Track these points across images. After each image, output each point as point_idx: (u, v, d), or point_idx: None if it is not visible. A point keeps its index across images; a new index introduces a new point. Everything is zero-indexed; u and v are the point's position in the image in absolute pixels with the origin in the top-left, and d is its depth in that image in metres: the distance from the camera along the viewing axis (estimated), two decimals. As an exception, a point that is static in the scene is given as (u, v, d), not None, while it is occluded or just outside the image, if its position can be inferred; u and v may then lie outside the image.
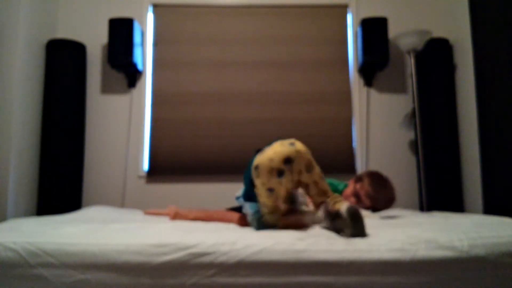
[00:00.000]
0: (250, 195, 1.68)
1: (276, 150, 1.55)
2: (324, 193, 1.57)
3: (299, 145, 1.56)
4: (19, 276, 1.24)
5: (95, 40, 3.38)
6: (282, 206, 1.60)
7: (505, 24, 2.62)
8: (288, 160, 1.52)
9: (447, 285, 1.25)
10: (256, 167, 1.56)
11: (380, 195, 2.11)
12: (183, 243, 1.27)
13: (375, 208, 2.16)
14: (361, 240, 1.34)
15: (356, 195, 2.15)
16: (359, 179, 2.18)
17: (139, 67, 3.28)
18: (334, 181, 2.38)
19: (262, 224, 1.59)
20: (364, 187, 2.13)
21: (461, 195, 3.06)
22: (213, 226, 1.79)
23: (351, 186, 2.20)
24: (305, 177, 1.56)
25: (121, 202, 3.25)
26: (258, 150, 1.72)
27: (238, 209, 2.32)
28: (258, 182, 1.58)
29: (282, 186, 1.55)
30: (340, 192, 2.27)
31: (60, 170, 3.00)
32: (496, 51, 2.72)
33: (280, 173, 1.53)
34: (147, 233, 1.47)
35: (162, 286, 1.23)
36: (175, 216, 2.22)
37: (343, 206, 1.44)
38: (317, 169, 1.59)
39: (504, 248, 1.29)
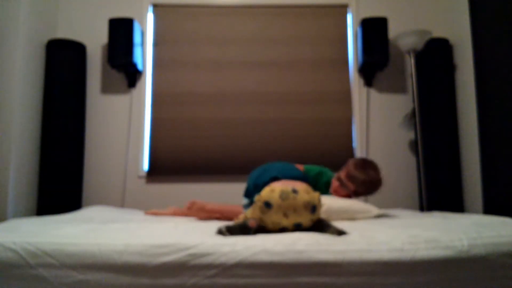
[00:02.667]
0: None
1: (305, 199, 1.51)
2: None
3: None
4: (18, 276, 1.24)
5: (95, 40, 3.38)
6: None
7: (505, 24, 2.62)
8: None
9: (447, 285, 1.25)
10: (268, 204, 1.50)
11: (361, 175, 2.09)
12: (183, 244, 1.27)
13: (357, 192, 2.14)
14: (361, 240, 1.34)
15: (338, 178, 2.16)
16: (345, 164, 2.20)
17: (139, 67, 3.28)
18: (324, 169, 2.36)
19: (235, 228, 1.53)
20: (346, 169, 2.14)
21: (461, 195, 3.06)
22: (214, 227, 1.79)
23: (339, 184, 2.20)
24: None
25: (121, 202, 3.25)
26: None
27: None
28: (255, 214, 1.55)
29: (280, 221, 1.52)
30: (325, 182, 2.26)
31: (60, 170, 3.00)
32: (496, 51, 2.72)
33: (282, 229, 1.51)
34: (147, 234, 1.47)
35: (162, 286, 1.23)
36: (192, 206, 2.21)
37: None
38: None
39: (504, 248, 1.29)
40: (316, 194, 1.56)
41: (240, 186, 3.10)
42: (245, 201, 2.17)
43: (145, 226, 1.71)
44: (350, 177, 2.11)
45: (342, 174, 2.16)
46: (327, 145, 3.34)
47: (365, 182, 2.10)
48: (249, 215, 1.57)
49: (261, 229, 1.52)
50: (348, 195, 2.17)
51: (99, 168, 3.29)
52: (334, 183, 2.19)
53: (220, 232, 1.45)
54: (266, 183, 1.85)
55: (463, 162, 3.10)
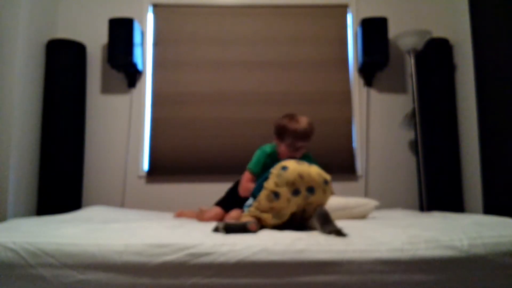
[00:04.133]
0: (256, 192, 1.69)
1: (318, 171, 1.56)
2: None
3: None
4: (18, 276, 1.24)
5: (95, 40, 3.38)
6: (271, 220, 1.58)
7: (505, 24, 2.62)
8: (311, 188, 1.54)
9: (447, 285, 1.25)
10: (284, 168, 1.55)
11: (284, 121, 2.10)
12: (183, 244, 1.27)
13: (295, 142, 2.10)
14: (361, 240, 1.34)
15: (277, 143, 2.16)
16: (279, 136, 2.15)
17: (139, 67, 3.28)
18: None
19: (234, 225, 1.51)
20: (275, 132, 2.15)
21: (461, 195, 3.06)
22: (213, 227, 1.79)
23: (281, 147, 2.16)
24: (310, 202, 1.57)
25: (121, 202, 3.25)
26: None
27: (225, 203, 2.35)
28: (270, 182, 1.57)
29: (290, 203, 1.55)
30: (271, 153, 2.20)
31: (60, 170, 3.00)
32: (496, 51, 2.72)
33: (296, 191, 1.53)
34: (147, 234, 1.47)
35: (161, 286, 1.23)
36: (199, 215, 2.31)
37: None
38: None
39: (504, 248, 1.29)
40: (327, 175, 1.61)
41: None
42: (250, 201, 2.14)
43: (145, 226, 1.71)
44: (279, 130, 2.12)
45: (277, 141, 2.17)
46: (327, 145, 3.34)
47: (291, 124, 2.08)
48: (251, 210, 1.59)
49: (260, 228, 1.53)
50: (293, 153, 2.14)
51: (99, 168, 3.29)
52: (280, 150, 2.17)
53: (216, 229, 1.45)
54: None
55: (463, 162, 3.10)
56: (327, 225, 1.45)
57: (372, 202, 2.10)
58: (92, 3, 3.45)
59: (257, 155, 2.22)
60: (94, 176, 3.28)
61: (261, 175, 2.14)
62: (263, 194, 1.59)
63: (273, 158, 2.19)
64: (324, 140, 3.34)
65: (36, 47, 3.05)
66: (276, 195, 1.54)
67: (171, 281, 1.23)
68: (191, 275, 1.23)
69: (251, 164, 2.20)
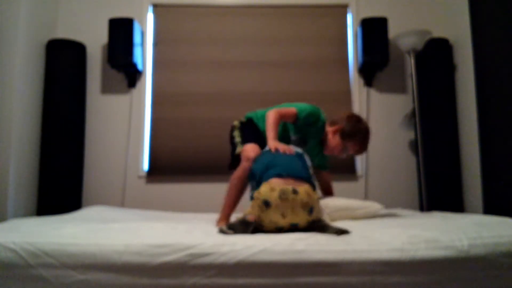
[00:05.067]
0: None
1: (304, 201, 1.51)
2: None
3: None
4: (18, 276, 1.24)
5: (95, 40, 3.38)
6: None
7: (505, 24, 2.62)
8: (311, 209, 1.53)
9: (447, 285, 1.25)
10: (267, 203, 1.51)
11: (359, 126, 2.11)
12: (183, 244, 1.27)
13: (357, 149, 2.14)
14: (361, 240, 1.34)
15: (344, 148, 2.14)
16: (343, 134, 2.12)
17: (139, 67, 3.28)
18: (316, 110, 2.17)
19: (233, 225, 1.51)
20: (341, 127, 2.11)
21: (461, 195, 3.07)
22: (213, 227, 1.79)
23: (336, 139, 2.13)
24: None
25: (121, 202, 3.25)
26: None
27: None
28: (254, 210, 1.54)
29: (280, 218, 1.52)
30: (319, 123, 2.14)
31: (60, 170, 3.00)
32: (496, 51, 2.72)
33: (279, 229, 1.51)
34: (147, 234, 1.47)
35: (162, 286, 1.23)
36: None
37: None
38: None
39: (504, 248, 1.29)
40: (315, 196, 1.57)
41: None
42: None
43: (145, 226, 1.71)
44: (353, 130, 2.08)
45: (335, 134, 2.13)
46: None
47: (363, 136, 2.10)
48: (248, 211, 1.58)
49: (259, 228, 1.53)
50: (339, 153, 2.16)
51: (99, 168, 3.29)
52: (332, 140, 2.14)
53: (222, 231, 1.46)
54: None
55: (463, 162, 3.10)
56: (327, 229, 1.46)
57: (375, 205, 2.09)
58: (92, 3, 3.45)
59: (311, 111, 2.09)
60: (94, 176, 3.28)
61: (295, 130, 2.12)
62: (254, 206, 1.56)
63: (314, 128, 2.14)
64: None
65: (36, 47, 3.05)
66: (261, 225, 1.53)
67: (171, 281, 1.23)
68: (191, 275, 1.23)
69: (298, 106, 2.08)
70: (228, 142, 2.28)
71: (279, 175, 1.68)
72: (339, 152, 2.17)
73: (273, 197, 1.50)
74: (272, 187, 1.54)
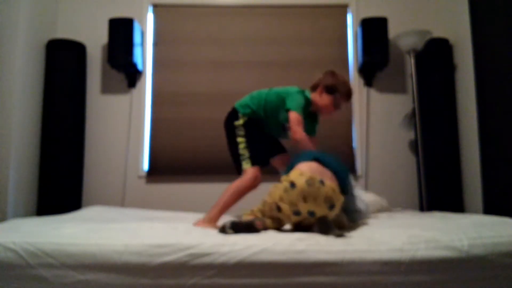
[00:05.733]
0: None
1: (328, 194, 1.53)
2: None
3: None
4: (18, 276, 1.24)
5: (95, 40, 3.38)
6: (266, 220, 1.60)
7: (505, 24, 2.62)
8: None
9: (447, 285, 1.25)
10: (293, 184, 1.54)
11: (338, 80, 2.24)
12: (183, 244, 1.27)
13: (339, 100, 2.24)
14: (361, 240, 1.34)
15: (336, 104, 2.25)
16: (327, 89, 2.23)
17: (139, 67, 3.28)
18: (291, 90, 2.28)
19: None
20: (323, 84, 2.24)
21: (461, 195, 3.06)
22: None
23: (324, 98, 2.25)
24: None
25: (121, 202, 3.25)
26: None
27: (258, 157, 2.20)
28: (276, 193, 1.57)
29: (290, 219, 1.55)
30: (307, 101, 2.23)
31: (60, 170, 3.00)
32: (496, 51, 2.72)
33: (296, 212, 1.53)
34: (147, 234, 1.47)
35: (162, 286, 1.23)
36: None
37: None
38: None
39: (504, 248, 1.29)
40: (340, 197, 1.57)
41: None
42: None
43: (145, 226, 1.71)
44: (332, 84, 2.22)
45: (322, 94, 2.25)
46: (327, 145, 3.33)
47: (344, 84, 2.23)
48: (258, 209, 1.58)
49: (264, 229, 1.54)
50: (334, 110, 2.28)
51: (99, 168, 3.29)
52: (322, 101, 2.25)
53: (223, 229, 1.46)
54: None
55: (463, 162, 3.10)
56: (327, 233, 1.45)
57: (378, 201, 2.11)
58: (92, 3, 3.45)
59: (297, 98, 2.18)
60: (94, 176, 3.28)
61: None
62: (268, 202, 1.59)
63: (307, 106, 2.25)
64: (324, 140, 3.33)
65: (36, 47, 3.05)
66: (278, 208, 1.54)
67: (171, 281, 1.23)
68: (191, 275, 1.23)
69: (294, 106, 2.15)
70: (224, 139, 2.28)
71: (316, 158, 1.70)
72: (333, 108, 2.26)
73: (300, 180, 1.51)
74: (302, 172, 1.55)
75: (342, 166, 1.84)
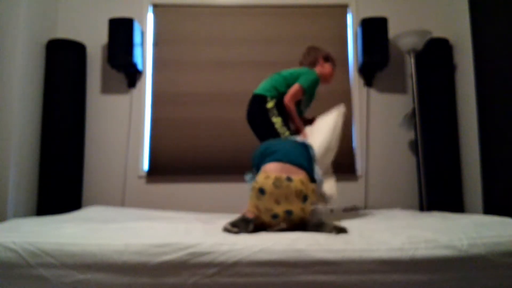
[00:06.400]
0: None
1: (298, 188, 1.56)
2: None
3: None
4: (19, 276, 1.24)
5: (95, 40, 3.38)
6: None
7: (505, 24, 2.62)
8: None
9: (446, 284, 1.25)
10: (262, 191, 1.56)
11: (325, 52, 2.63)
12: (183, 243, 1.27)
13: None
14: (361, 239, 1.34)
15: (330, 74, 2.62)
16: (325, 59, 2.59)
17: (139, 67, 3.28)
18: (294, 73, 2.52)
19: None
20: (320, 58, 2.59)
21: (461, 195, 3.06)
22: (214, 226, 1.79)
23: (326, 67, 2.59)
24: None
25: (121, 202, 3.25)
26: None
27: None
28: (252, 198, 1.58)
29: (272, 222, 1.56)
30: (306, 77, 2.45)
31: (60, 170, 3.00)
32: (496, 51, 2.72)
33: (274, 216, 1.55)
34: (147, 233, 1.47)
35: (162, 286, 1.23)
36: None
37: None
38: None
39: (504, 248, 1.29)
40: (310, 186, 1.59)
41: (240, 186, 3.10)
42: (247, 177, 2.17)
43: (144, 226, 1.71)
44: (326, 54, 2.60)
45: (323, 65, 2.59)
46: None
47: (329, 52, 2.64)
48: (248, 203, 1.60)
49: (258, 224, 1.55)
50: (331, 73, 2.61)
51: (99, 168, 3.29)
52: (325, 70, 2.57)
53: (227, 229, 1.48)
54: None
55: (463, 162, 3.10)
56: (324, 227, 1.47)
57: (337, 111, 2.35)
58: (92, 3, 3.45)
59: (311, 77, 2.45)
60: (94, 176, 3.28)
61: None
62: (252, 196, 1.61)
63: (317, 83, 2.54)
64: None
65: (36, 47, 3.05)
66: (258, 212, 1.56)
67: (171, 281, 1.23)
68: (191, 274, 1.23)
69: (303, 81, 2.41)
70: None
71: (278, 160, 1.70)
72: (333, 74, 2.64)
73: (268, 184, 1.53)
74: (267, 175, 1.56)
75: (299, 152, 1.83)
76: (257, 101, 2.42)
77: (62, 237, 1.35)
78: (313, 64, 2.59)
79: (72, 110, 3.13)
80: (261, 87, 2.49)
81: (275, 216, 1.53)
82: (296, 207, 1.53)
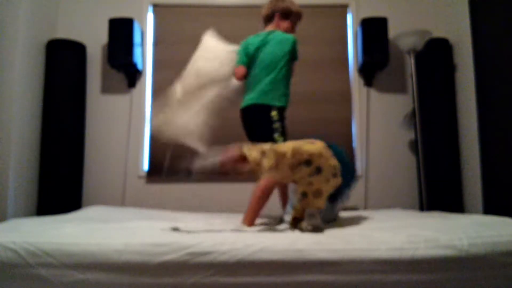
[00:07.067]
0: None
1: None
2: None
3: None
4: (18, 276, 1.24)
5: (95, 40, 3.38)
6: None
7: (505, 24, 2.62)
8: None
9: (446, 284, 1.25)
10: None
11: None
12: (183, 243, 1.27)
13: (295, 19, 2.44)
14: (361, 239, 1.34)
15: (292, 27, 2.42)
16: (284, 15, 2.41)
17: (139, 67, 3.28)
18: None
19: None
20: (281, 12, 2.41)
21: (461, 195, 3.06)
22: (213, 226, 1.79)
23: (286, 24, 2.41)
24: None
25: (121, 202, 3.25)
26: None
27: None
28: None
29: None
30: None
31: (60, 170, 3.00)
32: (496, 51, 2.72)
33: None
34: (147, 233, 1.47)
35: (162, 285, 1.23)
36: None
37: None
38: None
39: (503, 247, 1.29)
40: (339, 179, 1.67)
41: (240, 186, 3.10)
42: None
43: (145, 226, 1.71)
44: (286, 10, 2.39)
45: (280, 22, 2.42)
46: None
47: (293, 4, 2.42)
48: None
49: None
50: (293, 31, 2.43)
51: (99, 168, 3.29)
52: (283, 27, 2.39)
53: (314, 230, 1.53)
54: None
55: (463, 162, 3.10)
56: (311, 220, 1.51)
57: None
58: (92, 3, 3.45)
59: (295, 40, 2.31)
60: (94, 176, 3.28)
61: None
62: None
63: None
64: (324, 140, 3.33)
65: (36, 47, 3.05)
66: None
67: (172, 280, 1.23)
68: (191, 274, 1.23)
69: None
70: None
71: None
72: (293, 32, 2.43)
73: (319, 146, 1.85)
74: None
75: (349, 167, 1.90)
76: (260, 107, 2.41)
77: (62, 237, 1.35)
78: (268, 19, 2.45)
79: (72, 110, 3.13)
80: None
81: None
82: (327, 171, 1.65)
